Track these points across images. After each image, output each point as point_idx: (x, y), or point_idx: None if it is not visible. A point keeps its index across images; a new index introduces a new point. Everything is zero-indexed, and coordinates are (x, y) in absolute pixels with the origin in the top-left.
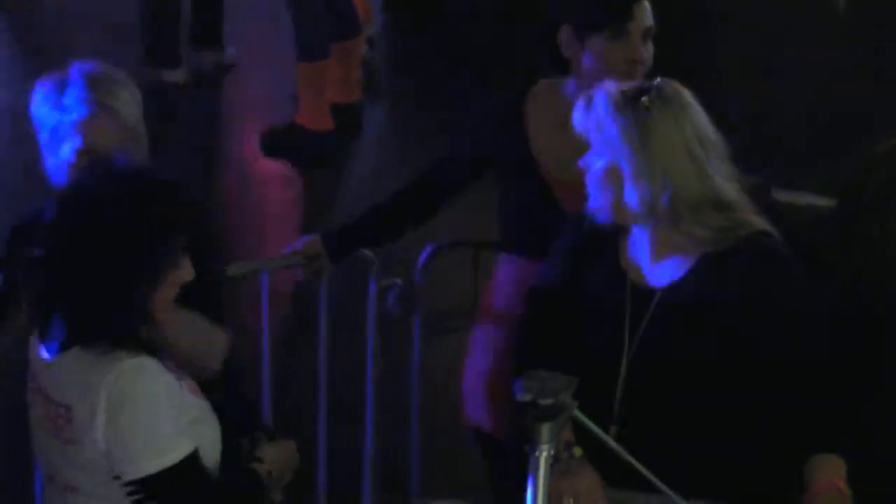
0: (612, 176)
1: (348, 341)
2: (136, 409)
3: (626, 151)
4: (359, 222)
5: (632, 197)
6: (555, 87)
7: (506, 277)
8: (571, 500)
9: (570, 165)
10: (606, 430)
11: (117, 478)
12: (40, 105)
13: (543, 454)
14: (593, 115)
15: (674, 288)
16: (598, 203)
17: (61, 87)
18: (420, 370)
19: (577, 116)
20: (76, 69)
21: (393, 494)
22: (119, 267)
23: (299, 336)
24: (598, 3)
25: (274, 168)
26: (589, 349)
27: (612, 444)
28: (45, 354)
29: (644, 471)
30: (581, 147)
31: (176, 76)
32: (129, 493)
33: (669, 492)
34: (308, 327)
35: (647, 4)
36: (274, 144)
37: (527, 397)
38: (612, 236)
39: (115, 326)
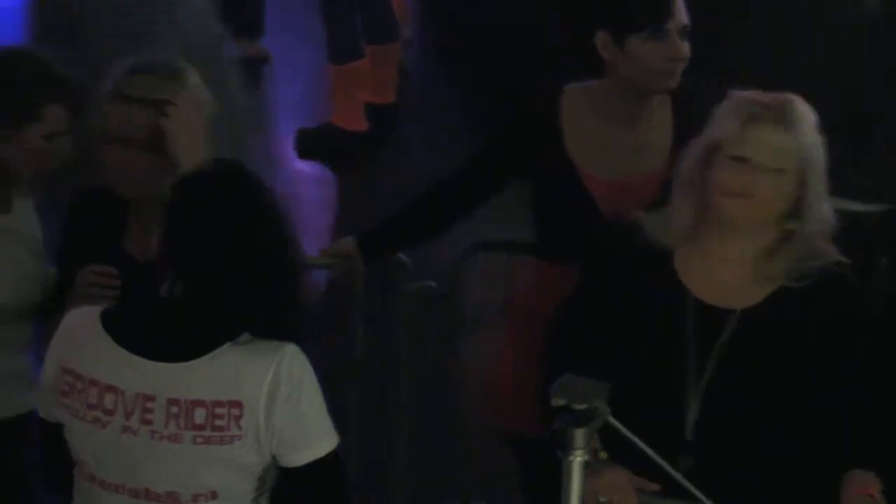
0: (777, 187)
1: (382, 343)
2: (312, 391)
3: (818, 170)
4: (391, 223)
5: (812, 217)
6: (587, 89)
7: (534, 279)
8: (605, 498)
9: (608, 164)
10: (676, 460)
11: (261, 475)
12: None
13: (577, 459)
14: (798, 125)
15: (753, 312)
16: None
17: None
18: (454, 372)
19: (775, 126)
20: None
21: (425, 497)
22: (276, 263)
23: (333, 338)
24: (636, 5)
25: (308, 168)
26: (642, 364)
27: (648, 450)
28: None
29: (681, 479)
30: (620, 146)
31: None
32: (300, 479)
33: (707, 501)
34: (342, 329)
35: (681, 2)
36: (308, 145)
37: (560, 402)
38: (667, 248)
39: (278, 320)
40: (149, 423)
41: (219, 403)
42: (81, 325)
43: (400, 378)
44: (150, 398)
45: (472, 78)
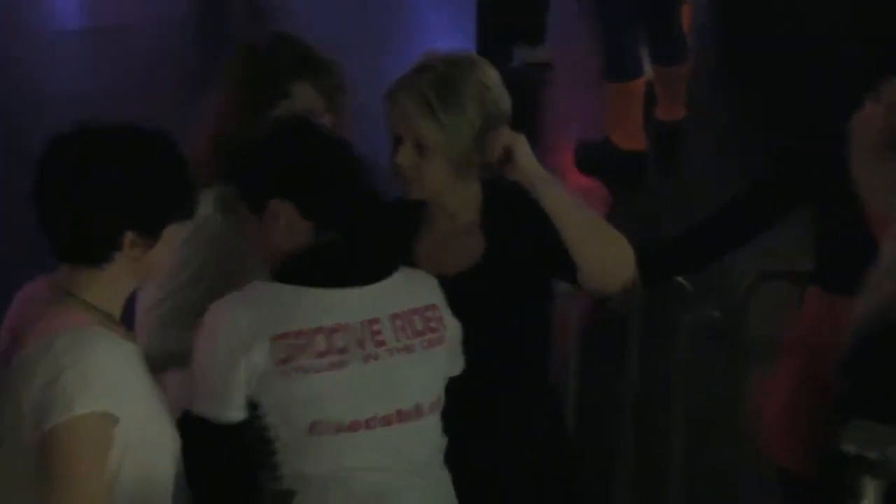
0: None
1: (658, 375)
2: None
3: None
4: (672, 245)
5: None
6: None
7: (815, 311)
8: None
9: (887, 200)
10: None
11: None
12: None
13: None
14: None
15: None
16: None
17: None
18: (734, 405)
19: None
20: None
21: None
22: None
23: (609, 364)
24: None
25: (585, 183)
26: None
27: None
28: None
29: None
30: None
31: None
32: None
33: None
34: (616, 359)
35: None
36: (587, 160)
37: (851, 448)
38: None
39: None
40: (382, 343)
41: (427, 308)
42: (264, 292)
43: (677, 412)
44: (375, 320)
45: (760, 100)
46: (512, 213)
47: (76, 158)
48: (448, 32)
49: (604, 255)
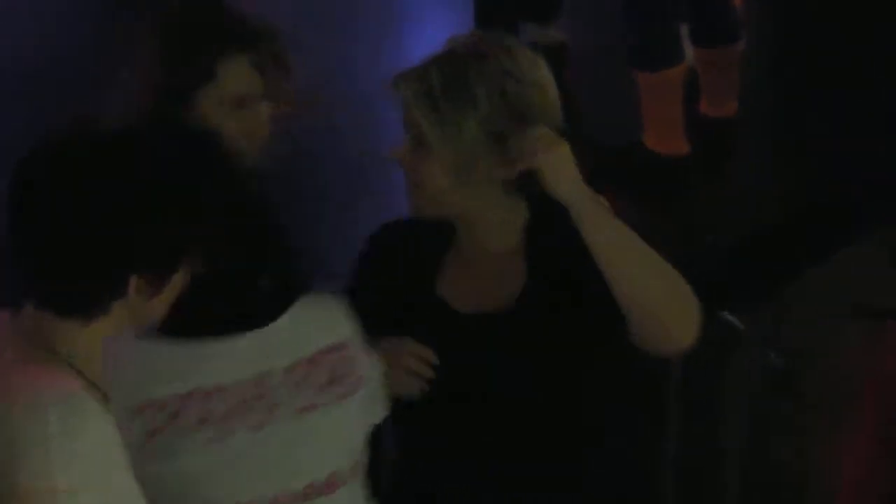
0: None
1: (706, 434)
2: None
3: None
4: (720, 274)
5: None
6: None
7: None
8: None
9: None
10: None
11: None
12: None
13: None
14: None
15: None
16: None
17: None
18: (799, 472)
19: None
20: None
21: None
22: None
23: (642, 425)
24: None
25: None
26: None
27: None
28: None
29: None
30: None
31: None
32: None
33: None
34: (654, 414)
35: None
36: (609, 167)
37: None
38: None
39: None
40: (276, 406)
41: (335, 348)
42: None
43: (730, 479)
44: (265, 376)
45: (828, 93)
46: (559, 237)
47: (71, 176)
48: (446, 8)
49: (663, 312)
